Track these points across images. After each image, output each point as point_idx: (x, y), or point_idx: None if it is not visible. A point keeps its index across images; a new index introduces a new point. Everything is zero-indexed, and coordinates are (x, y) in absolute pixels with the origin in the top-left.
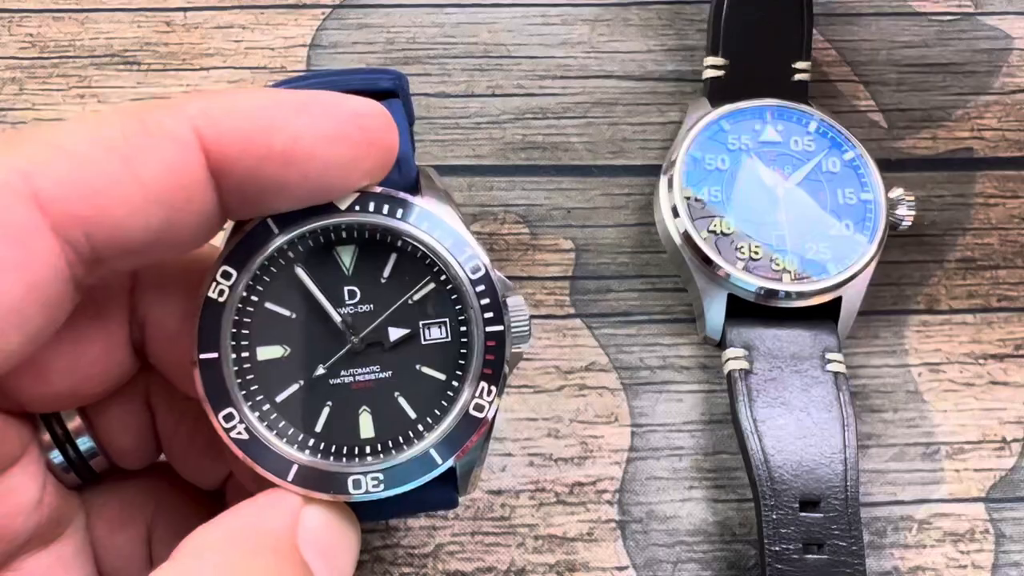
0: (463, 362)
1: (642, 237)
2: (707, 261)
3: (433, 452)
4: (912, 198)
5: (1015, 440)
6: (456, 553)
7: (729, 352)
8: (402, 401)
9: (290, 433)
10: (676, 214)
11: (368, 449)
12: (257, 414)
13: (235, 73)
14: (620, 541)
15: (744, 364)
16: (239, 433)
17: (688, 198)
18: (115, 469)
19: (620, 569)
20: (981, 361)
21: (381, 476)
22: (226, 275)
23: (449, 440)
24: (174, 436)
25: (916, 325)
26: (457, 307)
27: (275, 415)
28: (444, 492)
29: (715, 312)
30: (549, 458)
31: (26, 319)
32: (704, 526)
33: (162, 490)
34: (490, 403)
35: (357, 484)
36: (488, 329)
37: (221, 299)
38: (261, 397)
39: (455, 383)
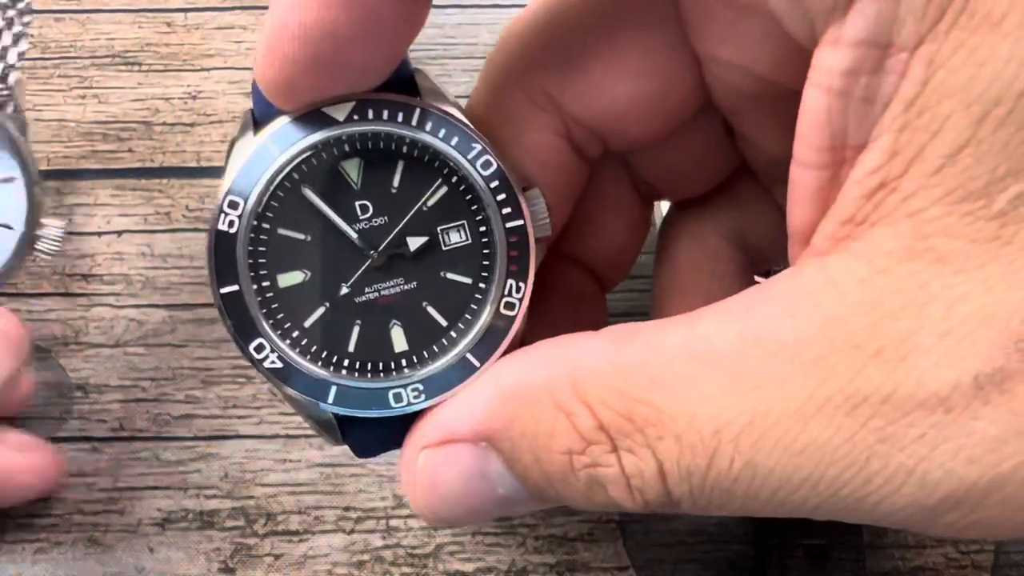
0: (487, 263)
1: None
2: None
3: (470, 356)
4: None
5: None
6: (456, 553)
7: None
8: (431, 310)
9: (324, 356)
10: None
11: (404, 362)
12: (288, 341)
13: (236, 74)
14: (620, 541)
15: None
16: (272, 362)
17: None
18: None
19: (620, 569)
20: None
21: (421, 387)
22: (233, 204)
23: (484, 342)
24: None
25: None
26: (473, 207)
27: (305, 340)
28: None
29: None
30: None
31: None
32: (704, 526)
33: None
34: (520, 300)
35: (399, 398)
36: (508, 225)
37: (232, 230)
38: (289, 325)
39: (482, 285)
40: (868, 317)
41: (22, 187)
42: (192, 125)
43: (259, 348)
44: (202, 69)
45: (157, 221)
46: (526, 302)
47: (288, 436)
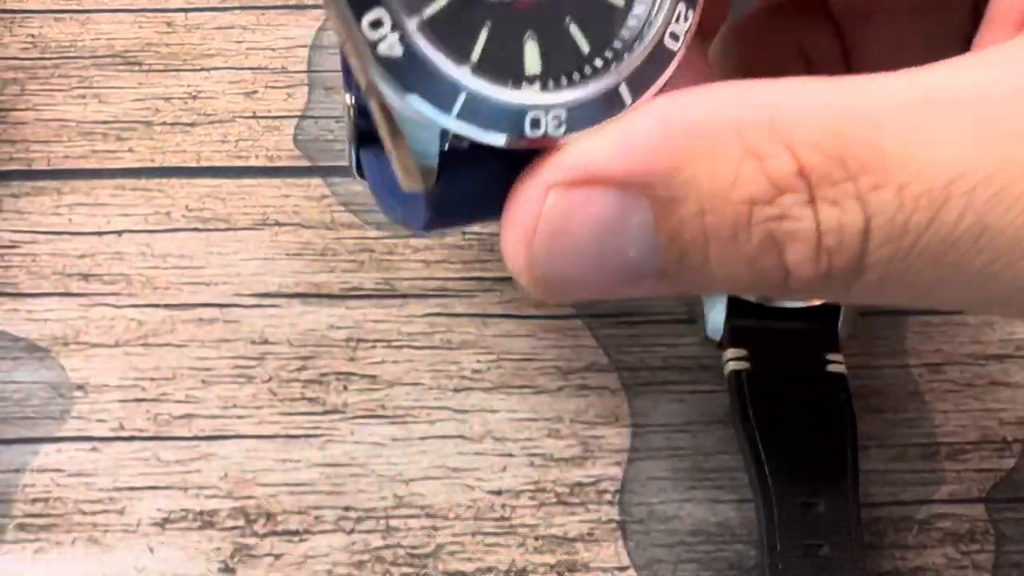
0: None
1: None
2: None
3: (624, 89)
4: None
5: (1016, 440)
6: (456, 553)
7: (730, 352)
8: (574, 29)
9: (452, 53)
10: None
11: (538, 86)
12: (415, 20)
13: (236, 74)
14: (621, 541)
15: (745, 364)
16: (391, 48)
17: None
18: None
19: (621, 569)
20: (982, 362)
21: (563, 115)
22: None
23: (639, 76)
24: None
25: (917, 326)
26: None
27: (427, 30)
28: None
29: (716, 312)
30: (550, 458)
31: None
32: (704, 526)
33: None
34: (686, 32)
35: (536, 124)
36: None
37: None
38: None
39: (640, 9)
40: None
41: None
42: (192, 125)
43: (376, 24)
44: (202, 69)
45: (157, 221)
46: (691, 35)
47: (288, 436)
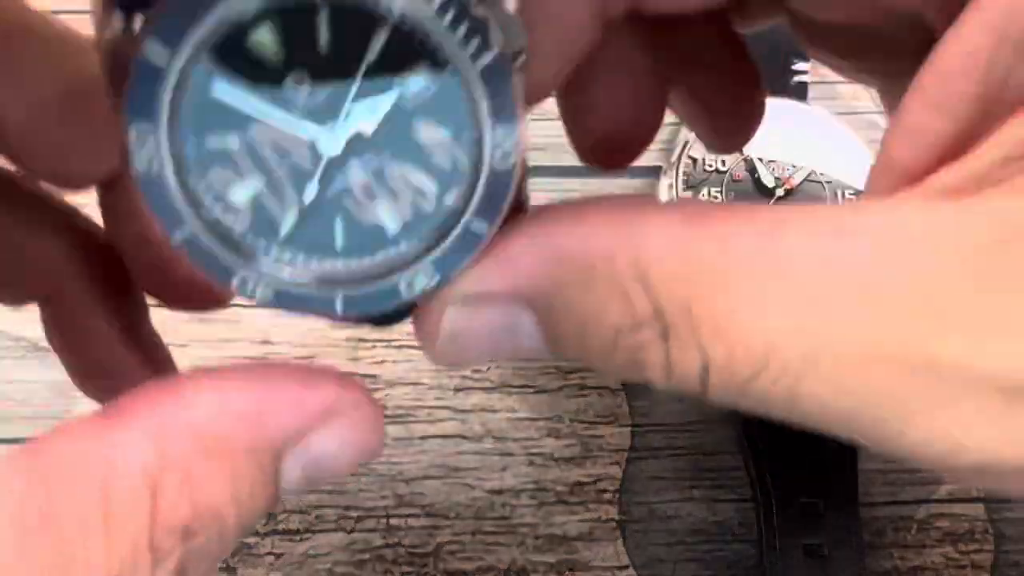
0: (463, 107)
1: None
2: None
3: (474, 221)
4: None
5: None
6: (457, 552)
7: None
8: (414, 177)
9: (312, 266)
10: None
11: (404, 244)
12: (270, 261)
13: None
14: (620, 540)
15: None
16: (263, 294)
17: (688, 199)
18: None
19: (620, 568)
20: None
21: (432, 266)
22: (141, 140)
23: (485, 203)
24: None
25: None
26: (425, 44)
27: (288, 254)
28: None
29: None
30: (550, 458)
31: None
32: (704, 526)
33: None
34: (513, 146)
35: (411, 286)
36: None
37: (155, 169)
38: (264, 243)
39: (465, 135)
40: (973, 284)
41: None
42: None
43: (242, 283)
44: None
45: None
46: (521, 145)
47: None
